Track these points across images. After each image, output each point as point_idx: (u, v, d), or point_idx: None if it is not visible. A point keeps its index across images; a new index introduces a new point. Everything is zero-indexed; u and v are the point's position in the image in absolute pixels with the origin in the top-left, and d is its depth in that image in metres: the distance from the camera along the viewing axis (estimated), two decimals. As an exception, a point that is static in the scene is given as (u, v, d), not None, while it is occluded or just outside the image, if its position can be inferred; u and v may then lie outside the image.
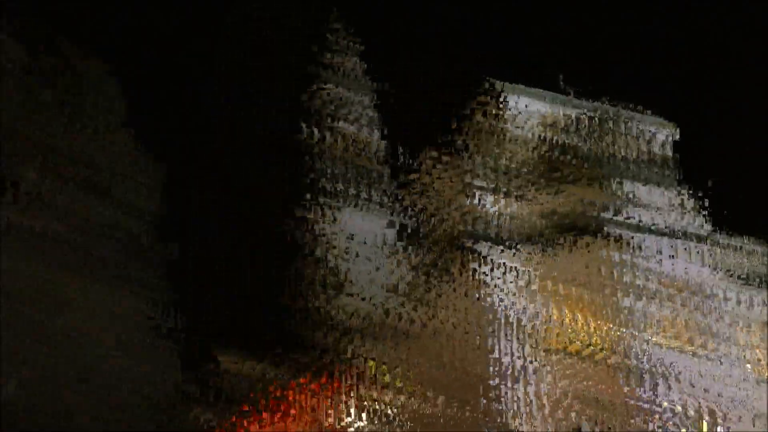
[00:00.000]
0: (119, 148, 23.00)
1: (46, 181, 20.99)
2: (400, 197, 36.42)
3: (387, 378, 34.94)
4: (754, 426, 24.78)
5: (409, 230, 33.86)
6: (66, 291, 20.58)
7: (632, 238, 26.15)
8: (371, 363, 36.73)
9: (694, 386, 24.80)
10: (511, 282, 26.57)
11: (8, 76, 20.94)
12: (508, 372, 25.49)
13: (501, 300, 26.33)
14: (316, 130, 57.16)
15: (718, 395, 25.03)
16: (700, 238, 27.25)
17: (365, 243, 52.29)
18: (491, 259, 26.65)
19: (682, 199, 28.00)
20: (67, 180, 21.77)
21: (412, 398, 30.82)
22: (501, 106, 29.60)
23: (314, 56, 58.45)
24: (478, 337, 26.06)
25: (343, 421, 38.14)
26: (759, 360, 25.71)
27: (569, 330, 26.25)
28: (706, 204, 28.33)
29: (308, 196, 53.42)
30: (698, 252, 26.90)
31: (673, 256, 26.67)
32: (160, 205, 24.62)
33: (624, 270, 25.67)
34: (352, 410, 38.22)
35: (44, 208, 21.03)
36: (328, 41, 63.02)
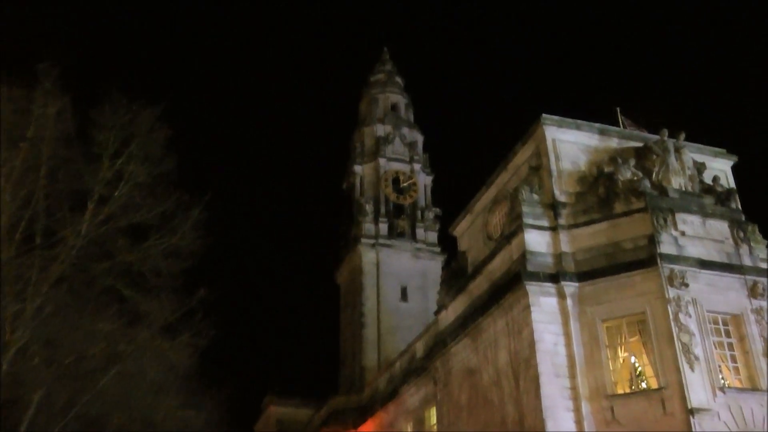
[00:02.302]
0: (162, 193, 23.15)
1: (94, 229, 21.26)
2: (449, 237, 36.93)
3: (433, 418, 34.89)
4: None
5: (459, 269, 34.19)
6: (117, 342, 20.75)
7: (687, 272, 25.69)
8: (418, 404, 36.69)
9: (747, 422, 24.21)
10: (562, 319, 26.54)
11: (56, 124, 21.25)
12: (559, 412, 25.08)
13: (553, 337, 26.26)
14: (360, 167, 58.66)
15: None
16: (759, 272, 26.72)
17: (416, 287, 52.99)
18: (542, 296, 26.63)
19: (741, 231, 27.54)
20: (111, 227, 22.02)
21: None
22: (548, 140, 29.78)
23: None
24: (530, 376, 25.93)
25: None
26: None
27: (622, 368, 26.02)
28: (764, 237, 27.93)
29: (357, 239, 54.87)
30: (761, 287, 26.35)
31: (731, 291, 26.27)
32: (200, 247, 24.56)
33: (679, 306, 25.22)
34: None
35: (92, 257, 21.31)
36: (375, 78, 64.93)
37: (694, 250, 26.49)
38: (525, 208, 28.36)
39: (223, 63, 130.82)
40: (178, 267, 23.38)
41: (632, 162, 29.05)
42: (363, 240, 55.46)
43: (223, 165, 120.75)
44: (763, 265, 26.98)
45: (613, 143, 30.39)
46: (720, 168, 30.68)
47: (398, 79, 66.85)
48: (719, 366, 25.14)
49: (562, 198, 28.71)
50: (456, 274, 34.41)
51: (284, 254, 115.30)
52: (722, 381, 24.92)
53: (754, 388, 24.95)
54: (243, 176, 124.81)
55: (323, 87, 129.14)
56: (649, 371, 25.42)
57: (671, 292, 25.27)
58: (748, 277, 26.30)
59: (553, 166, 29.30)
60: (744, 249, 27.14)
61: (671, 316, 24.94)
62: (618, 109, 31.81)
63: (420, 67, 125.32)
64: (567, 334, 26.23)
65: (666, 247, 26.18)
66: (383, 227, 56.47)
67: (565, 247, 27.70)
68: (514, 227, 28.60)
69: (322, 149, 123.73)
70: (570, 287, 26.67)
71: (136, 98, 22.50)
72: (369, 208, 57.11)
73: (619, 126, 31.37)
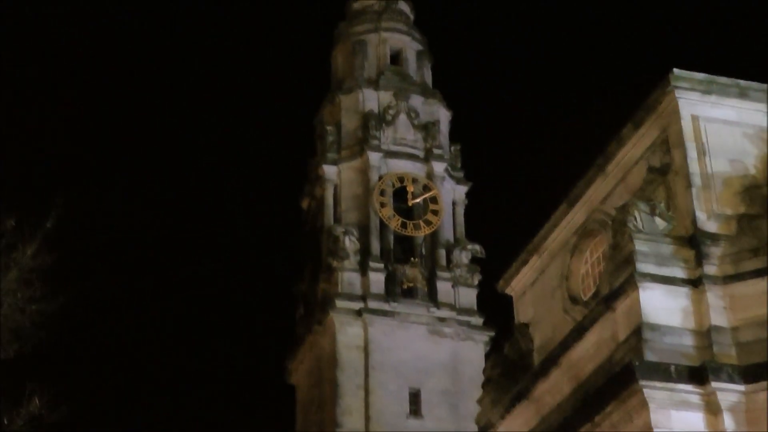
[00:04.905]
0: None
1: None
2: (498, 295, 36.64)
3: None
4: None
5: (518, 358, 34.00)
6: None
7: None
8: None
9: None
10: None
11: None
12: None
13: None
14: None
15: None
16: None
17: (437, 390, 52.95)
18: (675, 409, 26.45)
19: None
20: None
21: None
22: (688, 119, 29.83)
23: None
24: None
25: None
26: None
27: None
28: None
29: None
30: None
31: None
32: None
33: None
34: None
35: None
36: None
37: None
38: (641, 245, 28.30)
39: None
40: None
41: None
42: (339, 303, 55.35)
43: (84, 159, 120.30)
44: None
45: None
46: None
47: (404, 7, 66.97)
48: None
49: (711, 226, 28.69)
50: (512, 367, 34.62)
51: (198, 330, 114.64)
52: None
53: None
54: (123, 182, 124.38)
55: (265, 21, 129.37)
56: None
57: None
58: None
59: (695, 167, 29.24)
60: None
61: None
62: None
63: None
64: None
65: None
66: (376, 279, 56.52)
67: (718, 317, 27.52)
68: (621, 280, 28.47)
69: (266, 136, 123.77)
70: (729, 394, 26.34)
71: None
72: (350, 243, 57.10)
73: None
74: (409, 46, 65.26)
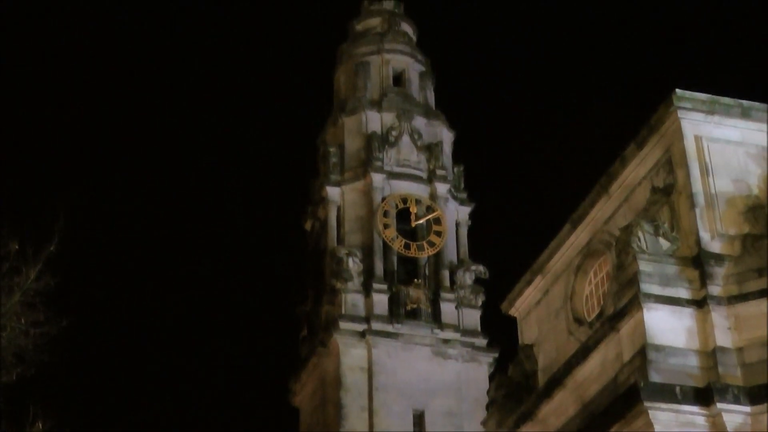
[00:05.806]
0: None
1: None
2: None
3: None
4: None
5: (522, 379, 33.89)
6: None
7: None
8: None
9: None
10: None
11: None
12: None
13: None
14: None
15: None
16: None
17: (441, 411, 52.77)
18: (677, 427, 26.25)
19: None
20: None
21: None
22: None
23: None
24: None
25: None
26: None
27: None
28: None
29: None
30: None
31: None
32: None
33: None
34: None
35: None
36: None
37: None
38: (644, 266, 28.21)
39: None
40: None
41: None
42: (342, 325, 55.03)
43: (87, 183, 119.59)
44: None
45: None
46: None
47: (407, 28, 66.82)
48: None
49: (715, 246, 28.57)
50: (516, 388, 34.45)
51: (201, 352, 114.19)
52: None
53: None
54: (128, 207, 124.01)
55: (268, 42, 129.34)
56: None
57: None
58: None
59: (698, 187, 29.18)
60: None
61: None
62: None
63: (447, 9, 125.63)
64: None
65: None
66: (380, 300, 56.23)
67: (723, 338, 27.41)
68: (625, 301, 28.40)
69: (269, 157, 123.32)
70: (735, 415, 26.25)
71: None
72: (354, 265, 56.82)
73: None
74: (412, 67, 65.02)
